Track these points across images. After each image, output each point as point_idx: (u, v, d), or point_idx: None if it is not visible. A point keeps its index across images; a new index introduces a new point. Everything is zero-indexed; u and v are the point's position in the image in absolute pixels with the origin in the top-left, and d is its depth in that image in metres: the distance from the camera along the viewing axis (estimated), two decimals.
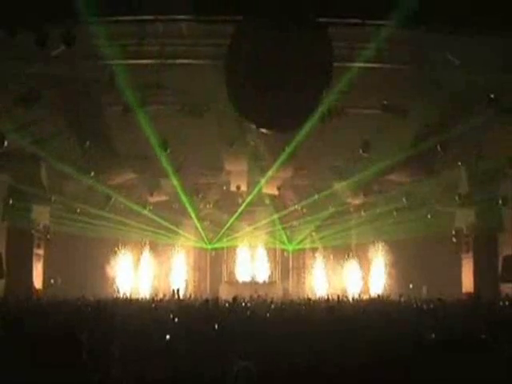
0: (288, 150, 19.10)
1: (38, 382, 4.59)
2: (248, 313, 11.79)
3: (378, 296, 20.54)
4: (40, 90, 15.22)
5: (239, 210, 27.51)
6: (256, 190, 25.02)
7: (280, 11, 10.57)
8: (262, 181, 23.79)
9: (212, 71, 14.85)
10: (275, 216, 28.74)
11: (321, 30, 10.90)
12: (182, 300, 14.93)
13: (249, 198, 26.16)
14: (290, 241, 30.30)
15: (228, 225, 28.85)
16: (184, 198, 25.62)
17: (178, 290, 15.38)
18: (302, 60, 10.57)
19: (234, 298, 13.61)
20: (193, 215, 27.59)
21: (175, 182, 23.38)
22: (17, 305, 13.77)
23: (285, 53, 10.53)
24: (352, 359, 6.54)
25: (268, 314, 11.59)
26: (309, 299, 17.71)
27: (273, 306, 14.02)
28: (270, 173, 22.31)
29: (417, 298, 18.92)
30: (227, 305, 13.37)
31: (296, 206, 27.65)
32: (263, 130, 12.55)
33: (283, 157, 20.20)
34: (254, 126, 12.73)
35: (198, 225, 28.62)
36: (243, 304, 14.53)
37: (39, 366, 4.92)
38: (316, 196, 25.65)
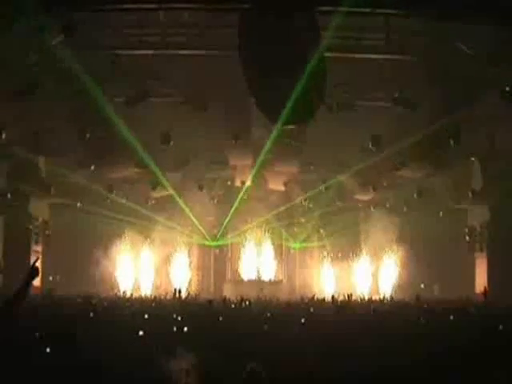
0: (295, 144, 18.62)
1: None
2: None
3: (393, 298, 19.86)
4: (40, 81, 14.79)
5: (243, 206, 26.89)
6: (261, 185, 24.52)
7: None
8: (268, 176, 23.30)
9: (216, 62, 14.45)
10: (281, 213, 28.19)
11: (307, 17, 10.31)
12: (184, 300, 14.38)
13: (254, 194, 25.63)
14: (295, 238, 29.71)
15: (228, 220, 28.19)
16: (187, 193, 25.10)
17: (179, 291, 14.77)
18: (291, 48, 10.01)
19: (241, 300, 13.01)
20: (196, 211, 26.99)
21: (178, 176, 22.83)
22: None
23: (282, 42, 10.01)
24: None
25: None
26: (322, 300, 16.93)
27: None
28: (275, 168, 21.82)
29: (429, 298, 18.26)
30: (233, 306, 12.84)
31: (303, 203, 27.07)
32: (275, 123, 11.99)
33: (289, 151, 19.72)
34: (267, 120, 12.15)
35: (201, 221, 27.99)
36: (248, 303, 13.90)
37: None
38: (323, 191, 25.03)
